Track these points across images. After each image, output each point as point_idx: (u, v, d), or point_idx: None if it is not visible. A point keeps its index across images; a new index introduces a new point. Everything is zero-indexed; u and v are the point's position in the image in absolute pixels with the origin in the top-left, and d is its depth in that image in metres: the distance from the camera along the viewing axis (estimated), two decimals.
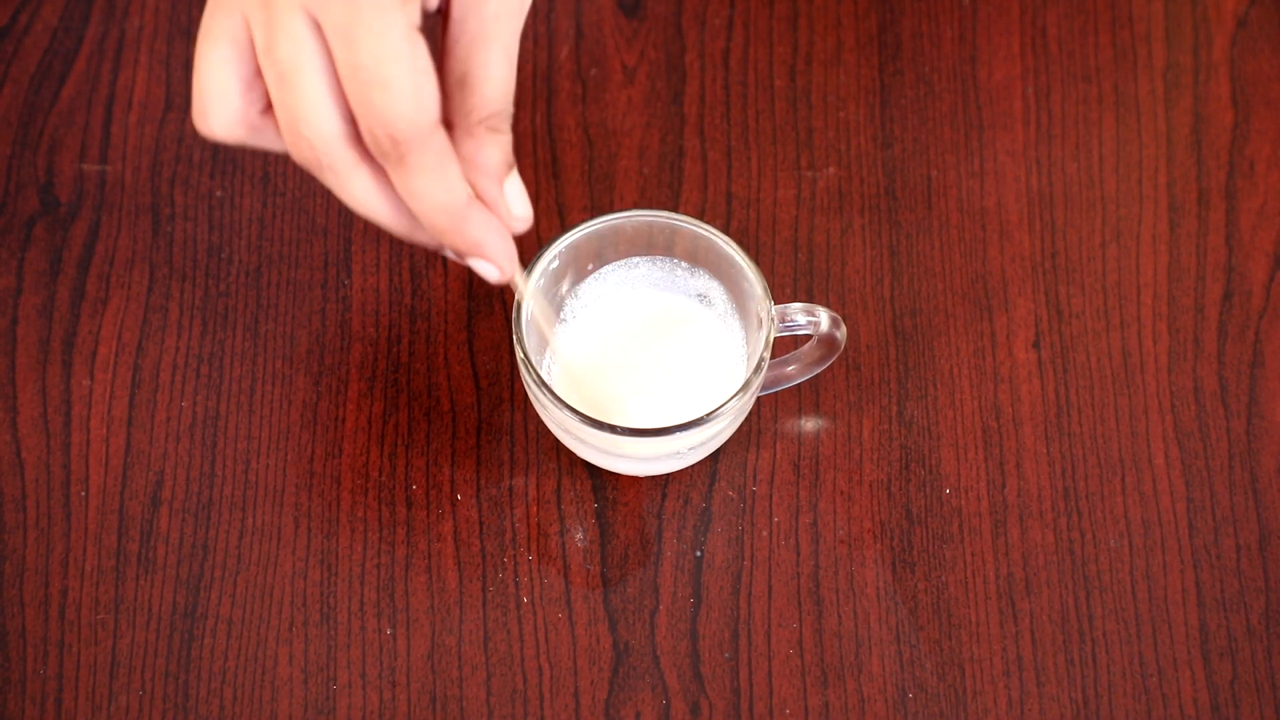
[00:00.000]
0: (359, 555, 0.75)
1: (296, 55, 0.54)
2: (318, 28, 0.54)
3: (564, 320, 0.76)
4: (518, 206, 0.60)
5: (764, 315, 0.72)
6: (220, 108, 0.56)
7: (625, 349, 0.76)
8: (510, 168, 0.59)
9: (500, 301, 0.80)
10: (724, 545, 0.76)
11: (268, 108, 0.57)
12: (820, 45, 0.86)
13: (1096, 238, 0.82)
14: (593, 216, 0.74)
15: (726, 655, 0.74)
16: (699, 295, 0.76)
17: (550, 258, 0.73)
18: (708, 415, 0.70)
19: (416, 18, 0.54)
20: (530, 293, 0.67)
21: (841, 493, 0.77)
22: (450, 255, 0.60)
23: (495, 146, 0.58)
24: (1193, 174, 0.83)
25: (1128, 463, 0.78)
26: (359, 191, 0.56)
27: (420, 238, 0.59)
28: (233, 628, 0.74)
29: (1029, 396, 0.79)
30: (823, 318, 0.74)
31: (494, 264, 0.59)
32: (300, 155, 0.56)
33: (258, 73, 0.56)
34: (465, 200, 0.57)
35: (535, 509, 0.76)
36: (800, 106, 0.84)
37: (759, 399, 0.78)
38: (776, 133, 0.84)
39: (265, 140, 0.58)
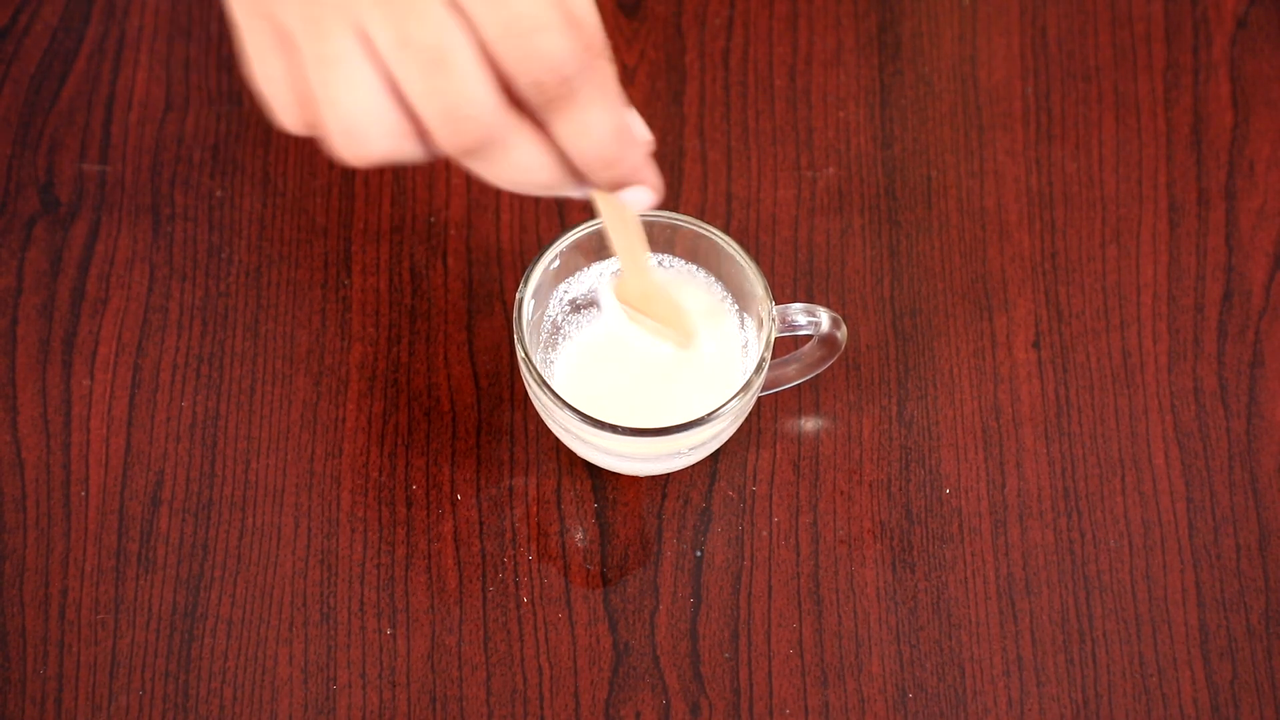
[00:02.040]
0: (359, 555, 0.75)
1: (443, 35, 0.53)
2: (453, 4, 0.53)
3: (565, 319, 0.76)
4: (643, 130, 0.60)
5: (764, 315, 0.72)
6: (381, 126, 0.55)
7: (626, 348, 0.76)
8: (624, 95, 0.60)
9: (500, 301, 0.80)
10: (724, 545, 0.76)
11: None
12: (820, 45, 0.86)
13: (1096, 238, 0.82)
14: (593, 216, 0.74)
15: (726, 655, 0.74)
16: (703, 296, 0.76)
17: (550, 258, 0.73)
18: (708, 415, 0.70)
19: None
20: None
21: (841, 493, 0.77)
22: (578, 194, 0.59)
23: (614, 75, 0.58)
24: (1193, 174, 0.83)
25: (1128, 463, 0.78)
26: (524, 156, 0.56)
27: (566, 189, 0.58)
28: (233, 628, 0.74)
29: (1029, 396, 0.79)
30: (823, 318, 0.74)
31: (652, 186, 0.59)
32: (464, 140, 0.55)
33: (391, 78, 0.55)
34: (625, 126, 0.57)
35: (535, 509, 0.76)
36: (800, 106, 0.84)
37: (759, 399, 0.78)
38: (776, 133, 0.84)
39: (423, 148, 0.56)
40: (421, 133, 0.55)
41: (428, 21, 0.53)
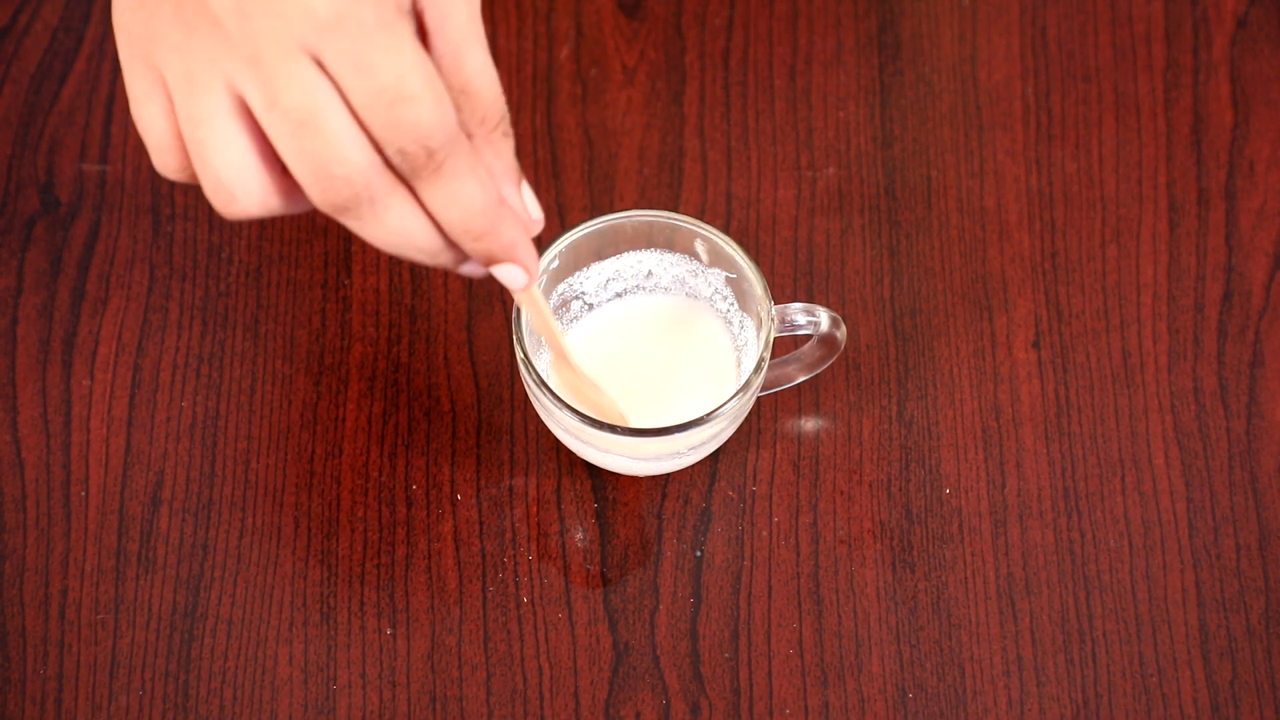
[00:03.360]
0: (359, 555, 0.75)
1: (311, 97, 0.53)
2: (320, 66, 0.53)
3: (564, 319, 0.76)
4: (534, 209, 0.60)
5: (764, 315, 0.72)
6: (249, 185, 0.55)
7: (625, 348, 0.76)
8: (519, 171, 0.59)
9: (500, 301, 0.80)
10: (724, 545, 0.76)
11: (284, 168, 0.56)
12: (820, 45, 0.86)
13: (1096, 238, 0.82)
14: (593, 216, 0.74)
15: (726, 655, 0.74)
16: (703, 296, 0.76)
17: (550, 258, 0.73)
18: (708, 415, 0.70)
19: (414, 27, 0.54)
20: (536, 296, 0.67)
21: (841, 493, 0.77)
22: (467, 271, 0.59)
23: (510, 150, 0.58)
24: (1193, 174, 0.83)
25: (1128, 463, 0.78)
26: (398, 219, 0.56)
27: (445, 258, 0.58)
28: (233, 628, 0.74)
29: (1029, 396, 0.79)
30: (823, 318, 0.74)
31: (524, 267, 0.59)
32: (334, 199, 0.54)
33: (263, 135, 0.55)
34: (498, 201, 0.57)
35: (535, 509, 0.76)
36: (800, 106, 0.84)
37: (759, 399, 0.78)
38: (776, 133, 0.84)
39: (295, 204, 0.56)
40: (295, 190, 0.55)
41: (295, 84, 0.53)
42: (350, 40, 0.53)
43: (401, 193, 0.55)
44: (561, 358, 0.69)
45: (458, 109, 0.57)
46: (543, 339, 0.74)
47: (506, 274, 0.59)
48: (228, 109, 0.54)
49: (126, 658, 0.73)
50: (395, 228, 0.56)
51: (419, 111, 0.53)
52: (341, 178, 0.54)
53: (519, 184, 0.59)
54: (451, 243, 0.57)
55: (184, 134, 0.55)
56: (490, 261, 0.58)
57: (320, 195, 0.54)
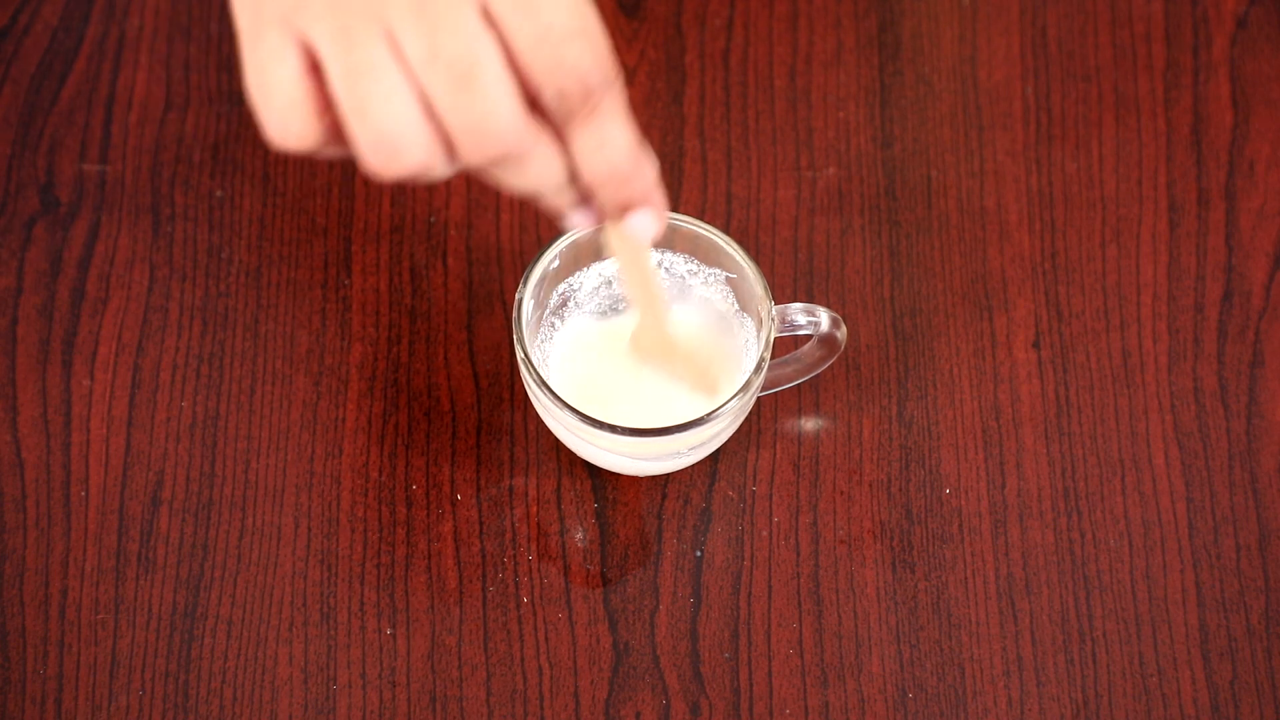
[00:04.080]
0: (359, 555, 0.75)
1: (475, 49, 0.53)
2: (485, 14, 0.53)
3: (564, 319, 0.76)
4: (651, 155, 0.60)
5: (764, 315, 0.72)
6: (416, 138, 0.54)
7: (625, 349, 0.76)
8: None
9: (500, 301, 0.80)
10: (724, 545, 0.76)
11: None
12: (820, 45, 0.86)
13: (1096, 238, 0.82)
14: None
15: (726, 655, 0.74)
16: (703, 296, 0.76)
17: (550, 258, 0.73)
18: (708, 415, 0.70)
19: None
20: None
21: (841, 493, 0.77)
22: (576, 220, 0.59)
23: (624, 95, 0.59)
24: (1193, 174, 0.83)
25: (1128, 463, 0.78)
26: (542, 167, 0.56)
27: (566, 199, 0.58)
28: (233, 628, 0.74)
29: (1029, 396, 0.79)
30: (823, 318, 0.74)
31: (659, 210, 0.59)
32: (483, 155, 0.54)
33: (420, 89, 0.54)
34: (640, 144, 0.57)
35: (535, 509, 0.76)
36: (800, 106, 0.84)
37: (759, 399, 0.78)
38: (776, 133, 0.84)
39: (441, 162, 0.56)
40: (448, 145, 0.55)
41: (460, 33, 0.53)
42: None
43: (545, 141, 0.55)
44: (661, 330, 0.68)
45: None
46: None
47: (640, 222, 0.59)
48: (390, 60, 0.53)
49: (126, 658, 0.73)
50: (536, 175, 0.56)
51: (582, 50, 0.54)
52: (495, 135, 0.54)
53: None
54: (582, 191, 0.57)
55: (340, 92, 0.54)
56: (626, 208, 0.58)
57: (474, 152, 0.54)
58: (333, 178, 0.82)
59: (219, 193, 0.82)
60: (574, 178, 0.57)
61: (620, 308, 0.77)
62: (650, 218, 0.59)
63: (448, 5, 0.53)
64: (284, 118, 0.55)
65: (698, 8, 0.86)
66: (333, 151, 0.56)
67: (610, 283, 0.76)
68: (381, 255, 0.81)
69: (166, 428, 0.77)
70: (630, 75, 0.85)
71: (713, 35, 0.86)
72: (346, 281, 0.80)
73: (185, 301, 0.80)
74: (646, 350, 0.69)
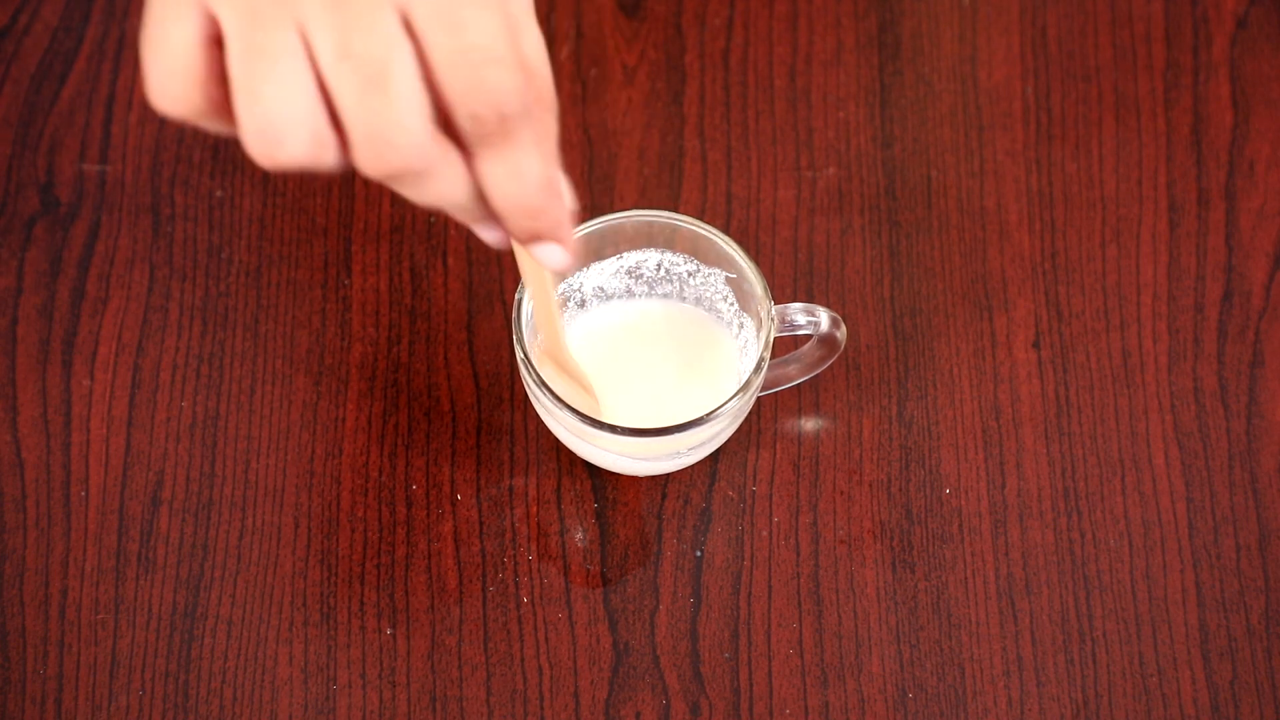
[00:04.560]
0: (359, 555, 0.75)
1: (387, 53, 0.51)
2: (405, 22, 0.52)
3: (564, 319, 0.76)
4: (567, 195, 0.59)
5: (764, 315, 0.72)
6: (301, 131, 0.52)
7: (625, 348, 0.76)
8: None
9: (500, 301, 0.80)
10: (724, 545, 0.76)
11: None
12: (820, 45, 0.86)
13: (1096, 238, 0.82)
14: (593, 216, 0.74)
15: (726, 655, 0.74)
16: (703, 296, 0.76)
17: None
18: (708, 415, 0.70)
19: None
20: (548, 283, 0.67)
21: (841, 493, 0.77)
22: (488, 237, 0.58)
23: (555, 132, 0.57)
24: (1193, 174, 0.83)
25: (1128, 463, 0.78)
26: (447, 185, 0.54)
27: (475, 220, 0.57)
28: (233, 628, 0.74)
29: (1029, 396, 0.79)
30: (823, 318, 0.74)
31: (566, 245, 0.58)
32: (385, 167, 0.53)
33: (321, 86, 0.53)
34: (553, 179, 0.56)
35: (535, 509, 0.76)
36: (800, 106, 0.84)
37: (759, 399, 0.78)
38: (776, 133, 0.84)
39: (328, 159, 0.54)
40: (343, 145, 0.53)
41: (375, 35, 0.51)
42: None
43: (452, 160, 0.54)
44: (555, 347, 0.69)
45: None
46: (538, 323, 0.74)
47: (548, 253, 0.58)
48: (296, 49, 0.52)
49: (126, 658, 0.73)
50: (439, 193, 0.54)
51: (502, 76, 0.52)
52: (397, 147, 0.52)
53: (558, 167, 0.58)
54: (490, 213, 0.56)
55: (235, 71, 0.52)
56: (535, 239, 0.57)
57: (371, 162, 0.53)
58: (333, 178, 0.82)
59: (219, 193, 0.82)
60: (481, 199, 0.55)
61: (625, 299, 0.77)
62: (556, 252, 0.58)
63: (366, 5, 0.51)
64: (166, 80, 0.54)
65: (698, 8, 0.86)
66: (213, 127, 0.55)
67: (608, 282, 0.76)
68: (381, 255, 0.81)
69: (166, 428, 0.77)
70: (630, 75, 0.85)
71: (713, 35, 0.86)
72: (346, 281, 0.80)
73: (185, 301, 0.80)
74: (544, 360, 0.71)
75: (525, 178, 0.55)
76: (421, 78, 0.52)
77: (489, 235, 0.58)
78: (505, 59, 0.52)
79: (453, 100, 0.52)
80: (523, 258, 0.63)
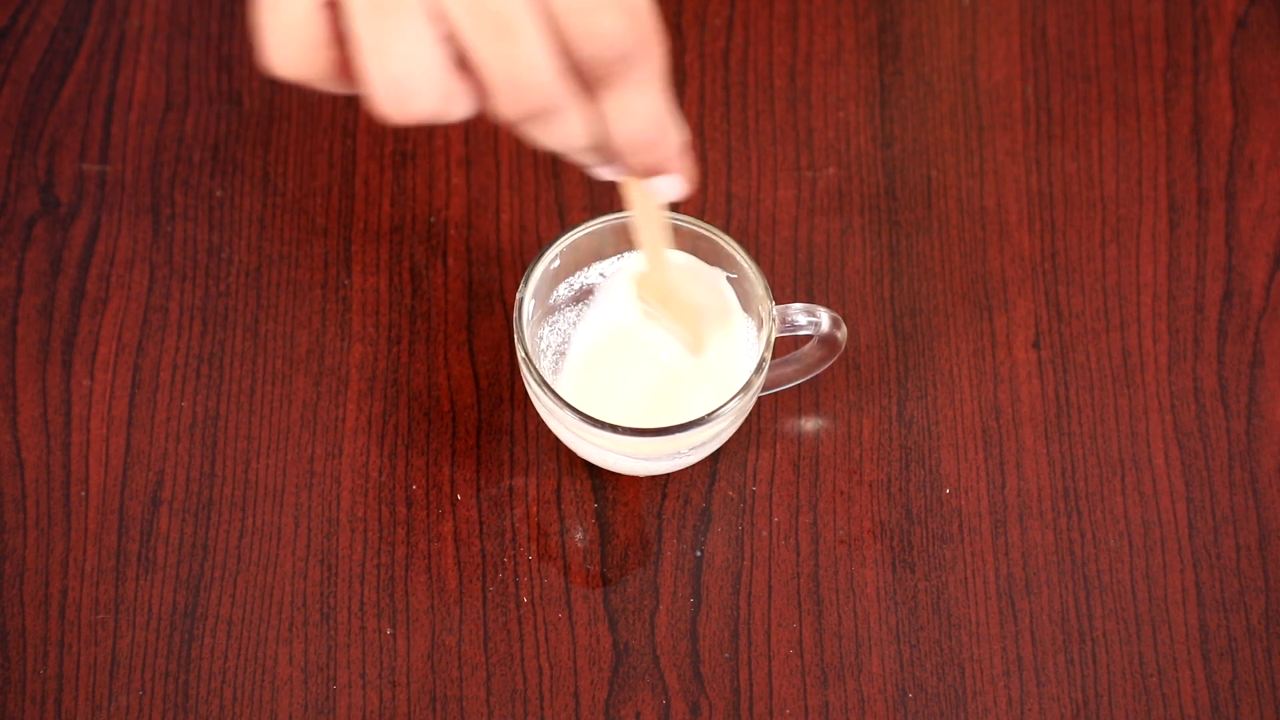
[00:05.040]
0: (359, 555, 0.75)
1: (512, 4, 0.53)
2: None
3: (565, 319, 0.76)
4: (682, 125, 0.62)
5: (764, 315, 0.72)
6: (431, 84, 0.54)
7: (625, 348, 0.76)
8: None
9: (500, 301, 0.80)
10: (724, 545, 0.76)
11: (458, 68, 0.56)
12: (820, 45, 0.86)
13: (1096, 238, 0.82)
14: (593, 216, 0.74)
15: (726, 655, 0.74)
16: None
17: (551, 258, 0.73)
18: (708, 415, 0.70)
19: None
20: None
21: (841, 493, 0.77)
22: (606, 174, 0.60)
23: (662, 68, 0.60)
24: (1193, 174, 0.83)
25: (1128, 463, 0.78)
26: (574, 126, 0.57)
27: (597, 158, 0.59)
28: (233, 628, 0.74)
29: (1029, 396, 0.79)
30: (823, 318, 0.74)
31: (685, 174, 0.61)
32: (521, 108, 0.55)
33: (446, 40, 0.55)
34: (669, 112, 0.58)
35: (535, 509, 0.76)
36: (800, 106, 0.84)
37: (759, 399, 0.78)
38: (776, 133, 0.84)
39: (458, 109, 0.56)
40: (480, 94, 0.55)
41: None
42: None
43: (579, 101, 0.56)
44: (661, 281, 0.70)
45: None
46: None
47: (662, 185, 0.61)
48: (418, 6, 0.54)
49: (126, 658, 0.73)
50: (568, 134, 0.57)
51: (616, 18, 0.54)
52: (532, 86, 0.54)
53: (668, 102, 0.60)
54: (613, 150, 0.59)
55: (361, 30, 0.54)
56: (651, 172, 0.60)
57: (510, 104, 0.55)
58: (333, 178, 0.82)
59: (219, 193, 0.82)
60: (604, 139, 0.58)
61: (620, 306, 0.77)
62: (672, 183, 0.61)
63: None
64: (286, 44, 0.55)
65: (698, 8, 0.86)
66: (330, 87, 0.56)
67: (608, 282, 0.76)
68: (381, 255, 0.81)
69: (166, 428, 0.77)
70: None
71: (713, 35, 0.86)
72: (346, 281, 0.80)
73: (185, 301, 0.80)
74: (648, 294, 0.71)
75: (643, 113, 0.57)
76: (546, 23, 0.54)
77: (608, 173, 0.60)
78: (611, 3, 0.54)
79: (573, 43, 0.55)
80: (637, 196, 0.65)
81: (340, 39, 0.55)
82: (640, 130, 0.58)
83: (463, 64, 0.55)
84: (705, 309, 0.74)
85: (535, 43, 0.54)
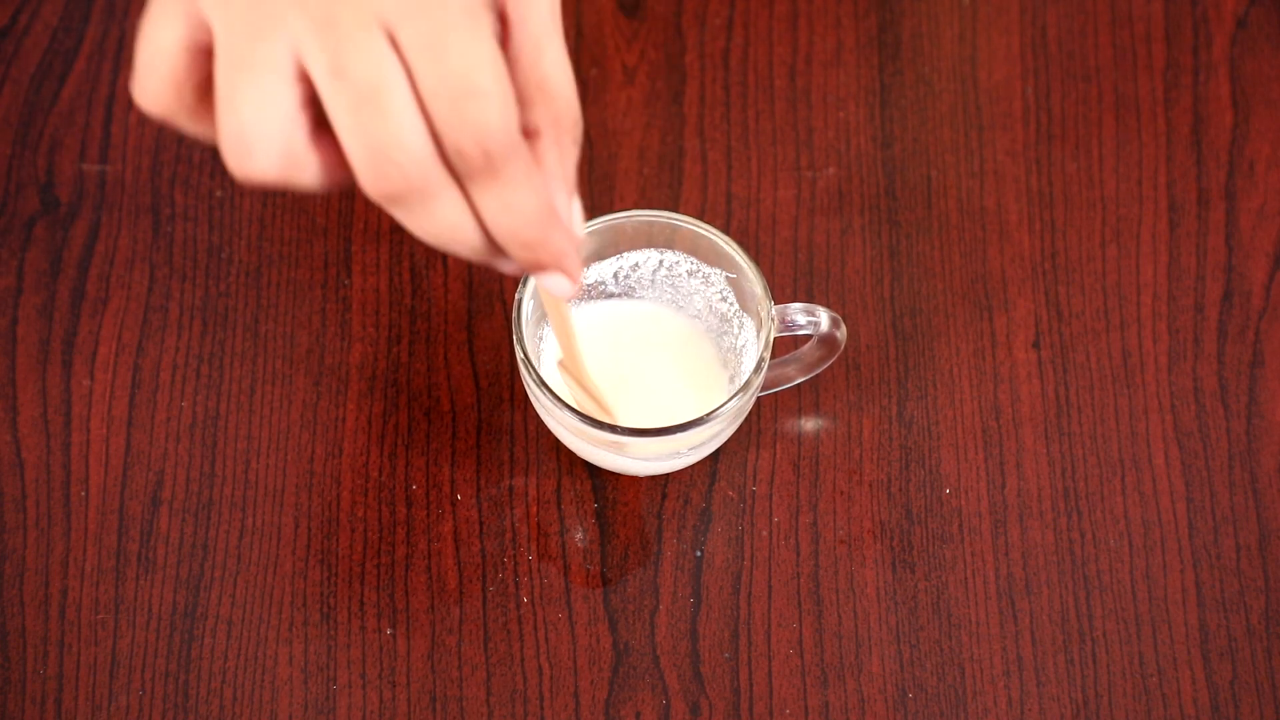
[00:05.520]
0: (359, 555, 0.75)
1: (379, 72, 0.51)
2: (394, 43, 0.51)
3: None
4: (579, 223, 0.58)
5: (764, 315, 0.72)
6: (273, 145, 0.52)
7: (625, 348, 0.76)
8: (575, 182, 0.58)
9: (500, 301, 0.80)
10: (724, 545, 0.76)
11: (315, 134, 0.54)
12: (820, 45, 0.86)
13: (1096, 238, 0.82)
14: (593, 217, 0.74)
15: (726, 655, 0.74)
16: (703, 296, 0.76)
17: None
18: (708, 415, 0.70)
19: (495, 25, 0.53)
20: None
21: (841, 493, 0.77)
22: (508, 270, 0.57)
23: (574, 158, 0.57)
24: (1193, 174, 0.83)
25: (1128, 463, 0.78)
26: (449, 215, 0.53)
27: (489, 257, 0.56)
28: (233, 628, 0.74)
29: (1029, 396, 0.79)
30: (823, 318, 0.74)
31: (571, 276, 0.57)
32: (387, 186, 0.52)
33: (308, 103, 0.53)
34: (550, 211, 0.55)
35: (535, 509, 0.76)
36: (800, 106, 0.84)
37: (759, 399, 0.78)
38: (776, 133, 0.84)
39: (307, 178, 0.54)
40: (338, 165, 0.53)
41: (367, 55, 0.51)
42: (430, 21, 0.51)
43: (455, 188, 0.53)
44: (572, 361, 0.69)
45: (532, 105, 0.55)
46: (553, 337, 0.74)
47: (552, 283, 0.57)
48: (282, 65, 0.52)
49: (126, 658, 0.73)
50: (444, 223, 0.54)
51: (484, 109, 0.51)
52: (398, 164, 0.52)
53: (572, 194, 0.57)
54: (496, 245, 0.56)
55: (220, 78, 0.52)
56: (536, 270, 0.56)
57: (373, 179, 0.52)
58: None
59: (219, 193, 0.82)
60: (481, 232, 0.55)
61: (625, 299, 0.77)
62: (560, 281, 0.57)
63: (355, 25, 0.51)
64: (147, 78, 0.54)
65: (698, 8, 0.86)
66: (190, 129, 0.55)
67: (608, 282, 0.76)
68: (381, 255, 0.81)
69: (166, 428, 0.77)
70: (630, 75, 0.85)
71: (713, 35, 0.86)
72: (346, 281, 0.81)
73: (185, 301, 0.80)
74: (566, 373, 0.71)
75: (518, 211, 0.54)
76: (416, 102, 0.51)
77: (507, 267, 0.57)
78: (487, 92, 0.51)
79: (439, 130, 0.52)
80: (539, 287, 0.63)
81: (207, 85, 0.54)
82: (517, 228, 0.54)
83: (325, 132, 0.53)
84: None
85: (403, 118, 0.51)
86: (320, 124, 0.53)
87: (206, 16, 0.53)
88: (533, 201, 0.54)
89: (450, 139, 0.52)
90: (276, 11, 0.52)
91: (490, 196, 0.53)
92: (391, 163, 0.52)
